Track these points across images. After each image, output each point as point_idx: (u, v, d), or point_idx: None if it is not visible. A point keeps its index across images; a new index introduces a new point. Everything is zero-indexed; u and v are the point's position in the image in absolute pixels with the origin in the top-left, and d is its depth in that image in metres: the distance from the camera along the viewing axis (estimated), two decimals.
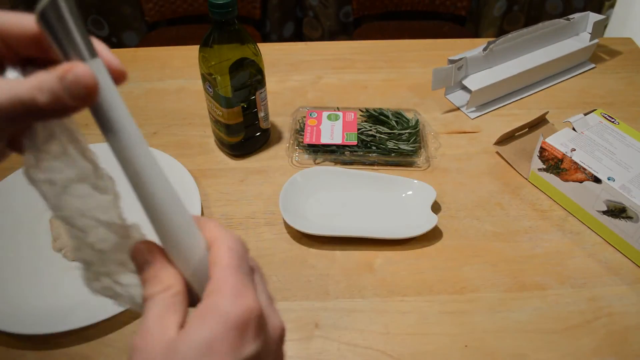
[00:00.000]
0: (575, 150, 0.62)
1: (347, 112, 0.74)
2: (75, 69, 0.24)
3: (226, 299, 0.26)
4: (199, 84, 0.81)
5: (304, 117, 0.74)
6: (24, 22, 0.26)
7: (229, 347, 0.25)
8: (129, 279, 0.28)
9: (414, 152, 0.70)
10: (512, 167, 0.69)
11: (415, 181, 0.65)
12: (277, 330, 0.29)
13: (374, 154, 0.70)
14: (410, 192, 0.64)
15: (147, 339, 0.25)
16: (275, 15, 1.82)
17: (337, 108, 0.76)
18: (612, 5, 1.77)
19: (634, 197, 0.56)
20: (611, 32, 1.39)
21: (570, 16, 0.84)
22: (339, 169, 0.68)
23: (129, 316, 0.53)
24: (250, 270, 0.29)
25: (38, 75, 0.24)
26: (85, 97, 0.26)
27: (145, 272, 0.28)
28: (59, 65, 0.25)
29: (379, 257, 0.59)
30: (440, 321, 0.53)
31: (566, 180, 0.62)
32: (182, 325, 0.26)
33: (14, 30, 0.26)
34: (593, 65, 0.88)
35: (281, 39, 1.87)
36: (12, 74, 0.26)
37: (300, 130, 0.73)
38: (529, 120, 0.71)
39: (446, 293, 0.55)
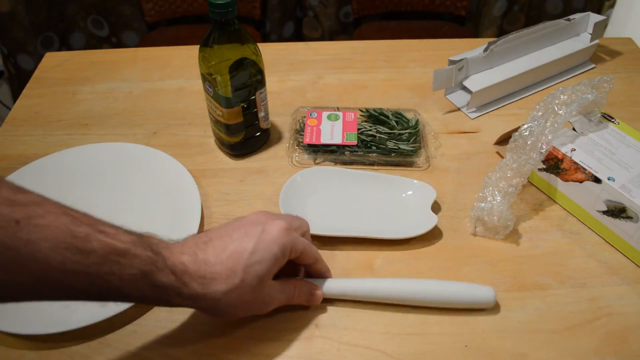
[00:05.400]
0: (575, 150, 0.62)
1: (347, 112, 0.74)
2: (317, 295, 0.52)
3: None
4: (199, 84, 0.81)
5: (304, 117, 0.74)
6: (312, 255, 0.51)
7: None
8: None
9: (414, 152, 0.70)
10: None
11: (415, 181, 0.65)
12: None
13: (374, 154, 0.70)
14: (410, 192, 0.64)
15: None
16: (275, 15, 1.82)
17: (337, 108, 0.76)
18: (612, 5, 1.77)
19: (634, 197, 0.56)
20: (611, 32, 1.39)
21: (571, 17, 0.84)
22: (339, 169, 0.68)
23: (129, 316, 0.53)
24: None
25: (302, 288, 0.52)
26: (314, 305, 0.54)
27: None
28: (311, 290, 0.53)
29: (379, 257, 0.59)
30: (440, 321, 0.53)
31: (566, 180, 0.62)
32: None
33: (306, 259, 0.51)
34: (593, 66, 0.88)
35: (281, 39, 1.87)
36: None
37: (300, 130, 0.73)
38: None
39: None
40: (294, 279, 0.52)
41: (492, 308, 0.54)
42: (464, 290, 0.53)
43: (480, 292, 0.53)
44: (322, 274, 0.54)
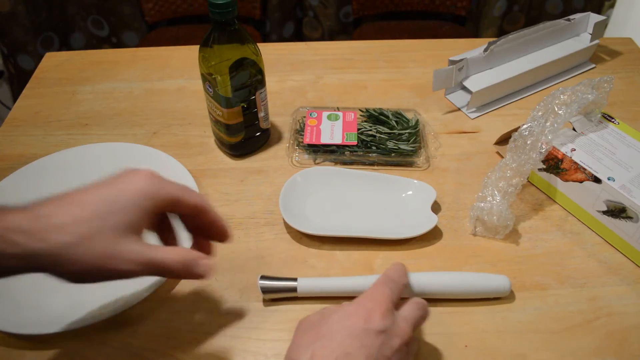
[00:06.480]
0: (575, 150, 0.62)
1: (347, 112, 0.74)
2: (203, 265, 0.42)
3: (365, 295, 0.43)
4: (199, 84, 0.81)
5: (304, 117, 0.74)
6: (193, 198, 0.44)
7: (360, 317, 0.41)
8: None
9: (414, 152, 0.70)
10: None
11: (415, 181, 0.65)
12: (402, 330, 0.42)
13: (374, 154, 0.70)
14: (410, 192, 0.64)
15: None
16: (275, 15, 1.82)
17: (337, 108, 0.76)
18: (612, 5, 1.77)
19: (634, 197, 0.56)
20: (611, 32, 1.39)
21: (571, 17, 0.84)
22: (339, 169, 0.68)
23: (129, 316, 0.53)
24: (397, 294, 0.45)
25: (183, 254, 0.42)
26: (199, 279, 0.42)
27: None
28: (197, 254, 0.42)
29: (379, 257, 0.59)
30: (440, 321, 0.53)
31: (566, 180, 0.62)
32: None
33: (184, 202, 0.43)
34: (593, 66, 0.88)
35: (281, 39, 1.87)
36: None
37: (300, 130, 0.73)
38: None
39: None
40: (177, 247, 0.45)
41: (493, 308, 0.54)
42: (480, 280, 0.54)
43: (496, 281, 0.54)
44: (216, 227, 0.46)
